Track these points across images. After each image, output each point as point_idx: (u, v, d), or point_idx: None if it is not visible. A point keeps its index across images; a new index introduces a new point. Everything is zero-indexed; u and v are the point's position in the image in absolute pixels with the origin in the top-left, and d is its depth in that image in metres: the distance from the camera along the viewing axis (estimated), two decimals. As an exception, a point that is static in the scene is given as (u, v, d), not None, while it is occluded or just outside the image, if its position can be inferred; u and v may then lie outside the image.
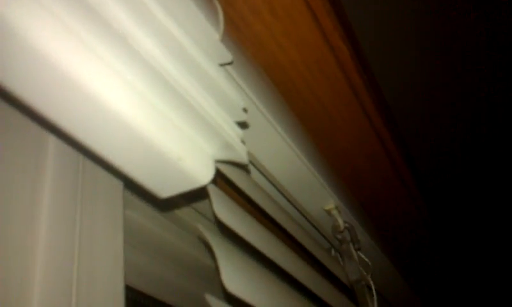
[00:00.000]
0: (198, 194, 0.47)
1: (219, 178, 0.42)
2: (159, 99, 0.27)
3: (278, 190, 0.57)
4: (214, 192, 0.32)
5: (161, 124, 0.27)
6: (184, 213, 0.48)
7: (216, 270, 0.29)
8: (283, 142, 0.55)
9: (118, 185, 0.38)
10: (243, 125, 0.40)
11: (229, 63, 0.37)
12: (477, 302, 1.56)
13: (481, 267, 1.61)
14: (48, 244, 0.28)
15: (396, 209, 0.79)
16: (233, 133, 0.30)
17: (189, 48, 0.29)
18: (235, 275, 0.31)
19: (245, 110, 0.33)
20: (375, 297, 0.69)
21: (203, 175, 0.29)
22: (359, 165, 0.70)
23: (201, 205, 0.50)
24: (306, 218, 0.62)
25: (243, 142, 0.31)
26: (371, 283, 0.69)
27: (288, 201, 0.59)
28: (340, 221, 0.62)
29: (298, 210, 0.60)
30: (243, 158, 0.30)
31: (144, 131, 0.26)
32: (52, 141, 0.31)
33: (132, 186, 0.45)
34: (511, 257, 1.58)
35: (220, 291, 0.52)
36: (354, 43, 0.63)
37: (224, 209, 0.33)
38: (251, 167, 0.52)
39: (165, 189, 0.30)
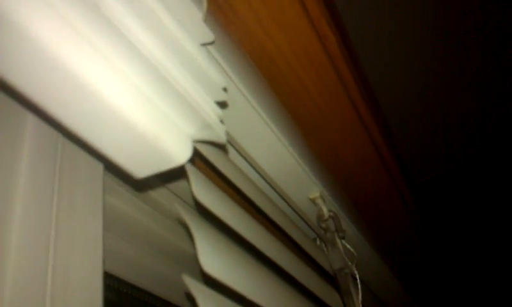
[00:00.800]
0: (178, 178, 0.47)
1: (200, 161, 0.42)
2: (136, 76, 0.26)
3: (263, 178, 0.57)
4: (192, 172, 0.32)
5: (138, 101, 0.26)
6: (164, 198, 0.48)
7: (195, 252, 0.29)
8: (268, 129, 0.54)
9: (98, 167, 0.37)
10: (223, 105, 0.40)
11: (211, 43, 0.37)
12: (466, 298, 1.58)
13: (471, 261, 1.63)
14: (23, 225, 0.27)
15: (382, 199, 0.79)
16: (212, 113, 0.30)
17: (169, 25, 0.28)
18: (213, 256, 0.31)
19: (225, 89, 0.32)
20: (359, 286, 0.69)
21: (180, 154, 0.29)
22: (345, 155, 0.70)
23: (181, 190, 0.50)
24: (290, 206, 0.62)
25: (222, 122, 0.31)
26: (355, 272, 0.70)
27: (273, 188, 0.59)
28: (325, 210, 0.62)
29: (283, 198, 0.60)
30: (221, 138, 0.30)
31: (120, 108, 0.25)
32: (30, 119, 0.31)
33: (112, 171, 0.45)
34: (499, 250, 1.60)
35: (199, 276, 0.52)
36: (342, 33, 0.62)
37: (203, 190, 0.32)
38: (235, 154, 0.52)
39: (141, 169, 0.29)
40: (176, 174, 0.39)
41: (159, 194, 0.49)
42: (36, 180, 0.27)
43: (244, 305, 0.35)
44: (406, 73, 1.47)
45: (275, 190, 0.58)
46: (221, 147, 0.35)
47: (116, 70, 0.25)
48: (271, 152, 0.56)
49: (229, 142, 0.49)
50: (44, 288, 0.27)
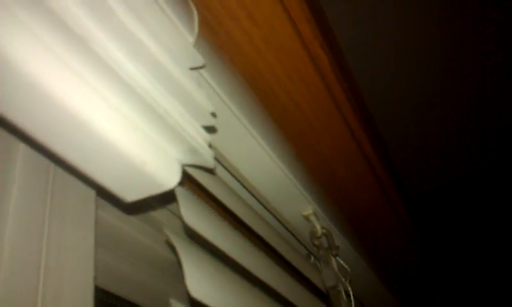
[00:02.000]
0: (170, 194, 0.47)
1: (191, 182, 0.43)
2: (124, 105, 0.27)
3: (254, 197, 0.57)
4: (181, 195, 0.32)
5: (126, 129, 0.27)
6: (157, 213, 0.48)
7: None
8: (259, 148, 0.55)
9: (90, 193, 0.37)
10: (211, 130, 0.40)
11: (201, 67, 0.37)
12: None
13: (467, 277, 1.63)
14: (14, 247, 0.28)
15: (375, 214, 0.79)
16: (200, 138, 0.30)
17: (157, 54, 0.29)
18: (200, 280, 0.31)
19: (213, 114, 0.33)
20: (353, 303, 0.69)
21: (168, 179, 0.29)
22: (337, 171, 0.70)
23: (173, 205, 0.50)
24: (283, 224, 0.62)
25: (210, 146, 0.31)
26: (349, 288, 0.70)
27: (265, 207, 0.59)
28: (318, 227, 0.63)
29: (275, 216, 0.61)
30: (209, 162, 0.31)
31: (109, 136, 0.26)
32: (21, 148, 0.31)
33: (104, 191, 0.45)
34: (494, 263, 1.60)
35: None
36: (336, 52, 0.63)
37: (192, 213, 0.33)
38: (226, 173, 0.53)
39: (131, 193, 0.30)
40: (168, 194, 0.39)
41: (154, 211, 0.50)
42: (28, 205, 0.28)
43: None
44: (402, 85, 1.48)
45: (267, 208, 0.59)
46: (209, 171, 0.35)
47: (104, 100, 0.26)
48: (263, 171, 0.56)
49: (220, 162, 0.49)
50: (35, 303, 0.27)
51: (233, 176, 0.52)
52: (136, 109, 0.27)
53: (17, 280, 0.27)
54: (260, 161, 0.56)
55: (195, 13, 0.42)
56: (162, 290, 0.56)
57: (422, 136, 1.69)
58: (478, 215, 1.71)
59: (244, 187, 0.54)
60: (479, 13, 1.29)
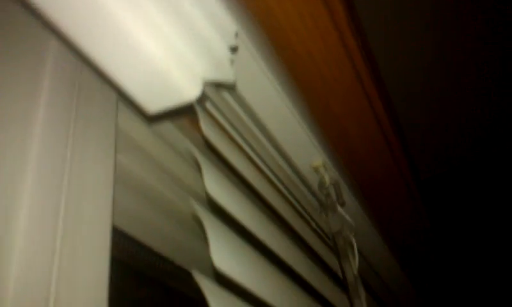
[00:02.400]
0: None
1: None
2: (157, 13, 0.29)
3: (270, 143, 0.59)
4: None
5: (155, 35, 0.29)
6: (180, 170, 0.50)
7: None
8: (275, 94, 0.57)
9: (112, 96, 0.38)
10: (234, 50, 0.42)
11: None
12: (465, 282, 1.60)
13: (472, 245, 1.65)
14: (41, 147, 0.29)
15: (382, 175, 0.81)
16: (224, 55, 0.32)
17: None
18: (226, 255, 0.31)
19: (236, 34, 0.35)
20: (356, 254, 0.72)
21: (189, 91, 0.31)
22: (348, 128, 0.72)
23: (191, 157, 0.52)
24: (294, 171, 0.65)
25: (232, 63, 0.33)
26: (353, 241, 0.72)
27: (278, 152, 0.61)
28: (327, 177, 0.65)
29: (286, 162, 0.63)
30: (230, 78, 0.33)
31: (139, 41, 0.28)
32: (53, 43, 0.32)
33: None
34: (501, 250, 1.61)
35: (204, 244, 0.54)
36: (350, 6, 0.64)
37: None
38: (245, 117, 0.55)
39: (153, 103, 0.32)
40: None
41: (171, 162, 0.51)
42: (56, 100, 0.30)
43: (251, 242, 0.37)
44: (416, 66, 1.48)
45: (280, 153, 0.61)
46: (229, 87, 0.37)
47: (138, 6, 0.28)
48: (277, 115, 0.58)
49: (241, 105, 0.51)
50: (55, 231, 0.27)
51: (252, 119, 0.54)
52: (168, 20, 0.29)
53: (42, 184, 0.29)
54: (276, 106, 0.57)
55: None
56: (179, 240, 0.59)
57: (435, 120, 1.69)
58: (490, 201, 1.71)
59: (261, 132, 0.56)
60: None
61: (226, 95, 0.48)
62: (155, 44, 0.29)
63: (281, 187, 0.55)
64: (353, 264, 0.68)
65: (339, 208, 0.67)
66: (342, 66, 0.62)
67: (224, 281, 0.31)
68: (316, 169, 0.68)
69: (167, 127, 0.45)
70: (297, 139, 0.63)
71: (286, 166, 0.63)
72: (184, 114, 0.42)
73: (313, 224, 0.62)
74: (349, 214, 0.75)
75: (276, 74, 0.56)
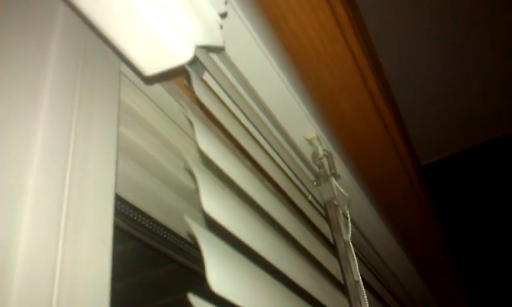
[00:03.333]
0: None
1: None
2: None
3: (264, 113, 0.61)
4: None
5: (153, 4, 0.31)
6: (177, 142, 0.52)
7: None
8: (270, 67, 0.59)
9: (115, 67, 0.40)
10: (223, 15, 0.44)
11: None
12: (463, 263, 1.63)
13: (472, 229, 1.67)
14: (47, 118, 0.31)
15: (375, 149, 0.83)
16: (214, 20, 0.34)
17: None
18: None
19: (226, 2, 0.37)
20: (350, 225, 0.74)
21: (182, 53, 0.33)
22: (340, 101, 0.74)
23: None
24: (288, 143, 0.67)
25: (221, 27, 0.35)
26: (347, 212, 0.75)
27: (273, 124, 0.63)
28: (320, 149, 0.67)
29: (281, 134, 0.65)
30: (220, 42, 0.35)
31: (138, 8, 0.30)
32: (61, 9, 0.34)
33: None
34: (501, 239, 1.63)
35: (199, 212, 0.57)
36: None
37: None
38: (238, 85, 0.57)
39: (150, 65, 0.34)
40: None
41: (171, 134, 0.53)
42: (63, 66, 0.32)
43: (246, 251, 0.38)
44: (416, 52, 1.48)
45: (273, 124, 0.63)
46: (219, 50, 0.39)
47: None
48: (271, 87, 0.60)
49: (236, 77, 0.53)
50: (61, 199, 0.29)
51: (246, 90, 0.56)
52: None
53: (50, 148, 0.31)
54: (271, 80, 0.59)
55: None
56: (176, 208, 0.61)
57: (436, 105, 1.69)
58: (491, 187, 1.72)
59: (256, 104, 0.58)
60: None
61: (219, 63, 0.50)
62: (152, 12, 0.31)
63: (274, 155, 0.57)
64: (345, 233, 0.71)
65: (333, 180, 0.69)
66: (334, 39, 0.64)
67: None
68: (310, 142, 0.70)
69: (164, 96, 0.47)
70: (291, 111, 0.65)
71: (280, 137, 0.65)
72: (178, 77, 0.44)
73: (308, 194, 0.64)
74: (343, 187, 0.77)
75: (269, 46, 0.58)
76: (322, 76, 0.68)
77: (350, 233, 0.74)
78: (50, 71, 0.32)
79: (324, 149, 0.68)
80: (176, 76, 0.42)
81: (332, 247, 0.62)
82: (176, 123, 0.54)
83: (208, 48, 0.37)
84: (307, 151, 0.71)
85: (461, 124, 1.77)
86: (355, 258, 0.66)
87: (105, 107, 0.36)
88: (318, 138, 0.69)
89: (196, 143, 0.33)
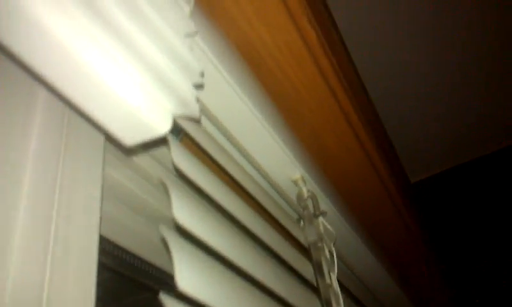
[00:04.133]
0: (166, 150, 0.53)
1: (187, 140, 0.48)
2: (126, 62, 0.32)
3: (248, 161, 0.63)
4: (174, 190, 0.36)
5: (126, 80, 0.32)
6: (155, 169, 0.54)
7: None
8: (250, 114, 0.60)
9: (100, 137, 0.42)
10: (200, 87, 0.46)
11: (194, 34, 0.42)
12: (457, 284, 1.63)
13: (463, 247, 1.68)
14: (31, 187, 0.33)
15: (361, 182, 0.85)
16: (189, 93, 0.36)
17: (154, 20, 0.35)
18: (189, 274, 0.35)
19: (202, 74, 0.38)
20: (335, 262, 0.75)
21: (160, 125, 0.35)
22: (325, 139, 0.75)
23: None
24: (273, 187, 0.68)
25: (197, 100, 0.37)
26: (333, 249, 0.76)
27: (256, 169, 0.65)
28: (304, 190, 0.69)
29: (265, 178, 0.66)
30: (196, 114, 0.36)
31: (112, 85, 0.31)
32: (42, 93, 0.36)
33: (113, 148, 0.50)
34: (492, 252, 1.64)
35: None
36: (325, 27, 0.68)
37: (183, 210, 0.37)
38: (221, 137, 0.58)
39: (129, 137, 0.36)
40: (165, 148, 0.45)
41: (151, 167, 0.55)
42: (45, 144, 0.33)
43: (219, 259, 0.41)
44: (405, 72, 1.50)
45: (258, 171, 0.64)
46: (196, 121, 0.40)
47: (111, 57, 0.31)
48: (255, 136, 0.62)
49: (215, 124, 0.55)
50: (47, 242, 0.31)
51: (227, 139, 0.58)
52: (136, 65, 0.33)
53: (34, 206, 0.33)
54: (251, 127, 0.61)
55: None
56: (156, 240, 0.62)
57: (425, 122, 1.71)
58: (481, 204, 1.74)
59: (238, 150, 0.60)
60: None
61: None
62: (129, 89, 0.32)
63: (259, 201, 0.58)
64: (332, 273, 0.72)
65: (319, 219, 0.70)
66: (318, 86, 0.66)
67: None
68: (295, 182, 0.71)
69: (145, 159, 0.49)
70: (275, 155, 0.67)
71: (265, 182, 0.66)
72: (161, 143, 0.45)
73: (293, 236, 0.65)
74: (330, 222, 0.79)
75: (252, 96, 0.60)
76: (305, 118, 0.70)
77: (336, 271, 0.75)
78: (32, 150, 0.33)
79: (308, 191, 0.69)
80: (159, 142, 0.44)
81: (315, 290, 0.62)
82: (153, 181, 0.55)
83: (186, 118, 0.39)
84: (293, 192, 0.72)
85: (451, 141, 1.79)
86: (341, 297, 0.67)
87: (89, 180, 0.37)
88: (303, 178, 0.71)
89: (172, 214, 0.35)
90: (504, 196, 1.68)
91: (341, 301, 0.67)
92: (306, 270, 0.62)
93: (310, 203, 0.71)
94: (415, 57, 1.47)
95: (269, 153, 0.65)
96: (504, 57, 1.48)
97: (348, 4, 1.27)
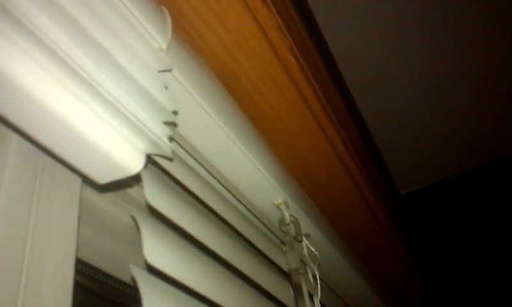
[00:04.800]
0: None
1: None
2: (94, 105, 0.33)
3: (225, 187, 0.63)
4: (146, 176, 0.38)
5: (94, 124, 0.33)
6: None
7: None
8: (235, 147, 0.60)
9: (76, 179, 0.42)
10: (173, 125, 0.46)
11: (168, 70, 0.43)
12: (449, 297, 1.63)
13: (458, 275, 1.68)
14: (3, 225, 0.33)
15: (346, 205, 0.86)
16: (160, 133, 0.36)
17: (122, 60, 0.35)
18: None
19: (175, 112, 0.39)
20: (319, 286, 0.75)
21: (132, 166, 0.35)
22: (311, 167, 0.76)
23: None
24: (254, 214, 0.68)
25: (170, 139, 0.37)
26: (316, 272, 0.76)
27: (235, 197, 0.65)
28: (286, 215, 0.69)
29: (246, 206, 0.66)
30: (168, 154, 0.37)
31: (81, 130, 0.32)
32: (14, 138, 0.37)
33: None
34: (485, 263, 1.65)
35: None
36: (306, 54, 0.69)
37: (155, 192, 0.39)
38: (199, 166, 0.58)
39: (102, 177, 0.36)
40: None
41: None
42: (18, 188, 0.34)
43: (188, 294, 0.41)
44: (396, 78, 1.50)
45: (237, 198, 0.64)
46: (169, 159, 0.41)
47: (80, 102, 0.32)
48: (235, 163, 0.62)
49: (193, 155, 0.55)
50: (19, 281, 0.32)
51: (206, 169, 0.58)
52: (104, 108, 0.33)
53: (4, 250, 0.33)
54: (232, 155, 0.61)
55: (168, 18, 0.47)
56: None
57: (415, 134, 1.71)
58: (472, 215, 1.75)
59: (216, 178, 0.60)
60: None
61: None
62: (99, 133, 0.33)
63: (240, 231, 0.58)
64: (315, 297, 0.72)
65: (303, 242, 0.71)
66: (301, 113, 0.67)
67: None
68: (278, 206, 0.72)
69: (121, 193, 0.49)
70: (256, 180, 0.67)
71: (245, 208, 0.66)
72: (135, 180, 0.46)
73: (274, 262, 0.66)
74: (314, 246, 0.79)
75: (233, 126, 0.60)
76: (288, 143, 0.71)
77: (319, 294, 0.75)
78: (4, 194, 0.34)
79: (291, 215, 0.70)
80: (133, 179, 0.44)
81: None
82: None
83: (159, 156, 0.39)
84: (275, 216, 0.72)
85: (441, 153, 1.80)
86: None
87: (64, 221, 0.37)
88: (285, 202, 0.71)
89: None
90: (495, 207, 1.69)
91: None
92: (286, 296, 0.62)
93: (292, 228, 0.71)
94: (404, 65, 1.46)
95: (251, 179, 0.66)
96: (495, 69, 1.48)
97: (333, 11, 1.26)
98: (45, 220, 0.36)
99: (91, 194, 0.52)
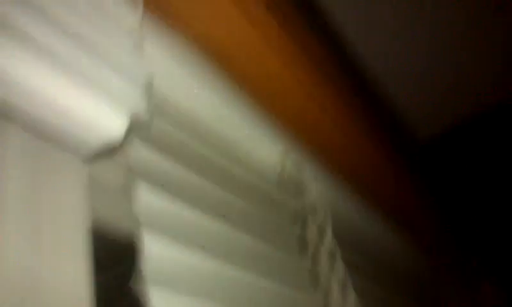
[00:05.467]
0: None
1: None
2: (66, 78, 0.35)
3: (225, 148, 0.65)
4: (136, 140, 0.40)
5: (71, 96, 0.35)
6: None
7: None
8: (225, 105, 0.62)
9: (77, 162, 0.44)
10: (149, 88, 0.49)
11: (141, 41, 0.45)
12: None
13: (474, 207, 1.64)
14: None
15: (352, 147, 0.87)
16: (138, 94, 0.39)
17: (94, 39, 0.38)
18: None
19: (151, 74, 0.42)
20: (330, 224, 0.76)
21: (115, 130, 0.38)
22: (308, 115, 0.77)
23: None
24: (256, 168, 0.70)
25: (149, 100, 0.41)
26: (328, 212, 0.78)
27: (237, 155, 0.67)
28: (289, 162, 0.71)
29: (248, 160, 0.68)
30: (146, 112, 0.40)
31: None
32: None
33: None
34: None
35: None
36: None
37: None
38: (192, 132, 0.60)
39: (91, 147, 0.39)
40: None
41: None
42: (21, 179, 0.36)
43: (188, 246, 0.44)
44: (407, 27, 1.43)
45: (238, 155, 0.66)
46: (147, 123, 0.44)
47: (55, 79, 0.34)
48: (229, 123, 0.64)
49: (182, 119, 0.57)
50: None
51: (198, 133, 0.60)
52: (76, 79, 0.35)
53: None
54: (224, 113, 0.63)
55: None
56: None
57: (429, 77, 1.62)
58: (491, 161, 1.67)
59: (210, 142, 0.62)
60: None
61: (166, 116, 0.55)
62: (78, 103, 0.35)
63: (242, 182, 0.61)
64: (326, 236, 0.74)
65: (308, 185, 0.73)
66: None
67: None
68: (280, 157, 0.74)
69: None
70: (254, 135, 0.69)
71: (247, 165, 0.68)
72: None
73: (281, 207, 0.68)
74: (320, 187, 0.80)
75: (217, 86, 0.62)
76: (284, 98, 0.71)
77: (330, 240, 0.76)
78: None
79: (293, 161, 0.72)
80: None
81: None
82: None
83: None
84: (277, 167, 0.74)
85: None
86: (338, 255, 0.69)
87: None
88: (287, 152, 0.73)
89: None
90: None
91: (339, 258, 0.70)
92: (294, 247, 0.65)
93: (295, 173, 0.73)
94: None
95: (247, 134, 0.67)
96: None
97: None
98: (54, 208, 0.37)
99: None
